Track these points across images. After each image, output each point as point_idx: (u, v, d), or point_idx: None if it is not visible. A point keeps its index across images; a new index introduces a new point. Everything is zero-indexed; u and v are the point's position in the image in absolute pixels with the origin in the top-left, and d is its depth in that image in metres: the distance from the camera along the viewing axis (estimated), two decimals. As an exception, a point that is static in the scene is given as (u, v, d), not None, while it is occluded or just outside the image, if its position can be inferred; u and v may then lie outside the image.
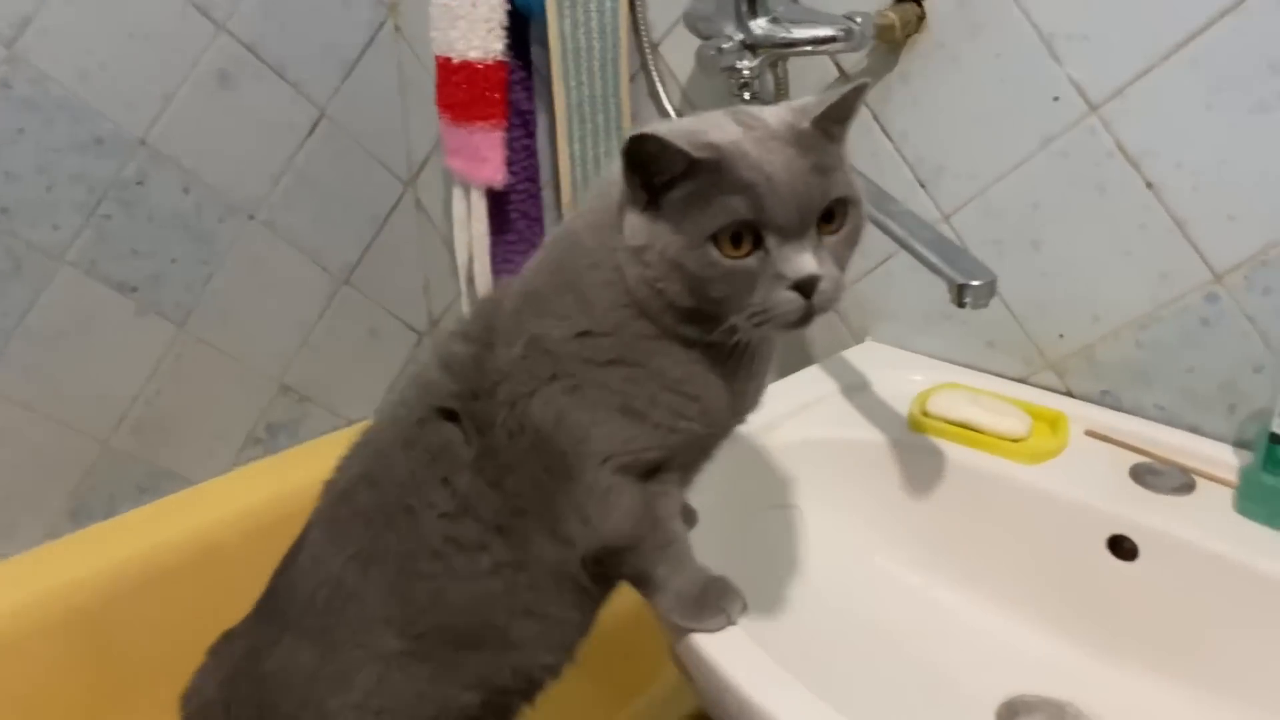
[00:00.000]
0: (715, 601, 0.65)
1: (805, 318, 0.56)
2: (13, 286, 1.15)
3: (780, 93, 1.00)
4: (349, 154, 1.41)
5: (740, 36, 0.92)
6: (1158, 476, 0.81)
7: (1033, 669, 0.80)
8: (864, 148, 0.97)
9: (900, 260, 1.00)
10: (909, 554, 0.88)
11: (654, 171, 0.55)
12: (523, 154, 1.22)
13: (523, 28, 1.19)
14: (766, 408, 0.70)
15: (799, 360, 1.07)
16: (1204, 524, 0.75)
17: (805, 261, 0.55)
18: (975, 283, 0.67)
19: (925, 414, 0.90)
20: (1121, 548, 0.79)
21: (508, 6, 1.15)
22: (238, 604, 1.34)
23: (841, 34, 0.87)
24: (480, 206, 1.22)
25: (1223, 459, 0.81)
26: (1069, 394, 0.93)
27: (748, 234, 0.55)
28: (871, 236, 1.00)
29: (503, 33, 1.15)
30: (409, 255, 1.53)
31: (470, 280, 1.28)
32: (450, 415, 0.66)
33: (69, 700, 1.21)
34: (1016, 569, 0.83)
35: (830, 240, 0.57)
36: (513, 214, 1.26)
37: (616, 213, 0.60)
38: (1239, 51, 0.74)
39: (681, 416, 0.62)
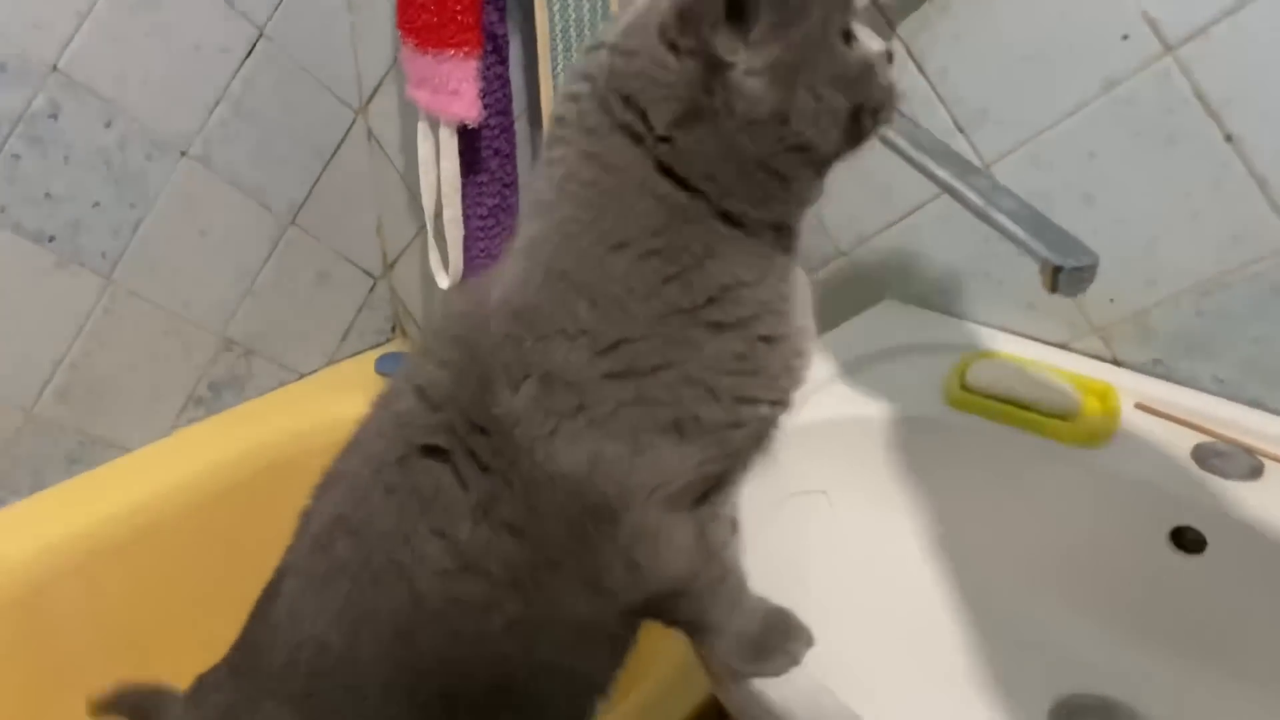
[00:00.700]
0: (779, 642, 0.57)
1: None
2: (-92, 239, 1.00)
3: None
4: (292, 79, 1.26)
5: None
6: (1223, 459, 0.75)
7: (1089, 668, 0.74)
8: (895, 87, 0.86)
9: (928, 212, 0.90)
10: (950, 544, 0.81)
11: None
12: (496, 84, 1.09)
13: (494, -62, 1.05)
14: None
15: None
16: (1277, 513, 0.69)
17: (870, 34, 0.51)
18: (1073, 264, 0.57)
19: (965, 388, 0.82)
20: (1185, 539, 0.72)
21: (478, -87, 1.00)
22: (183, 583, 1.25)
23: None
24: (450, 145, 1.09)
25: (1293, 439, 0.75)
26: (1115, 362, 0.85)
27: None
28: (899, 185, 0.95)
29: (472, -56, 1.01)
30: (361, 192, 1.40)
31: (439, 232, 1.15)
32: (436, 452, 0.56)
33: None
34: (1069, 561, 0.77)
35: None
36: (484, 151, 1.13)
37: (638, 153, 0.51)
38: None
39: (751, 393, 0.54)
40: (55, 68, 1.05)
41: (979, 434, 0.80)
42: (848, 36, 0.50)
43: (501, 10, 1.08)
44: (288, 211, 1.32)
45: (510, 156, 1.16)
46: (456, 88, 1.04)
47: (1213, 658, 0.70)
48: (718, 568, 0.57)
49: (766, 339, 0.54)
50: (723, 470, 0.55)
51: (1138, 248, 0.80)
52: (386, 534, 0.57)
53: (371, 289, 1.46)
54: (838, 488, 0.81)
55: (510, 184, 1.17)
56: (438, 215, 1.16)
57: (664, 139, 0.50)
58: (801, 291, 0.57)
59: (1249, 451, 0.75)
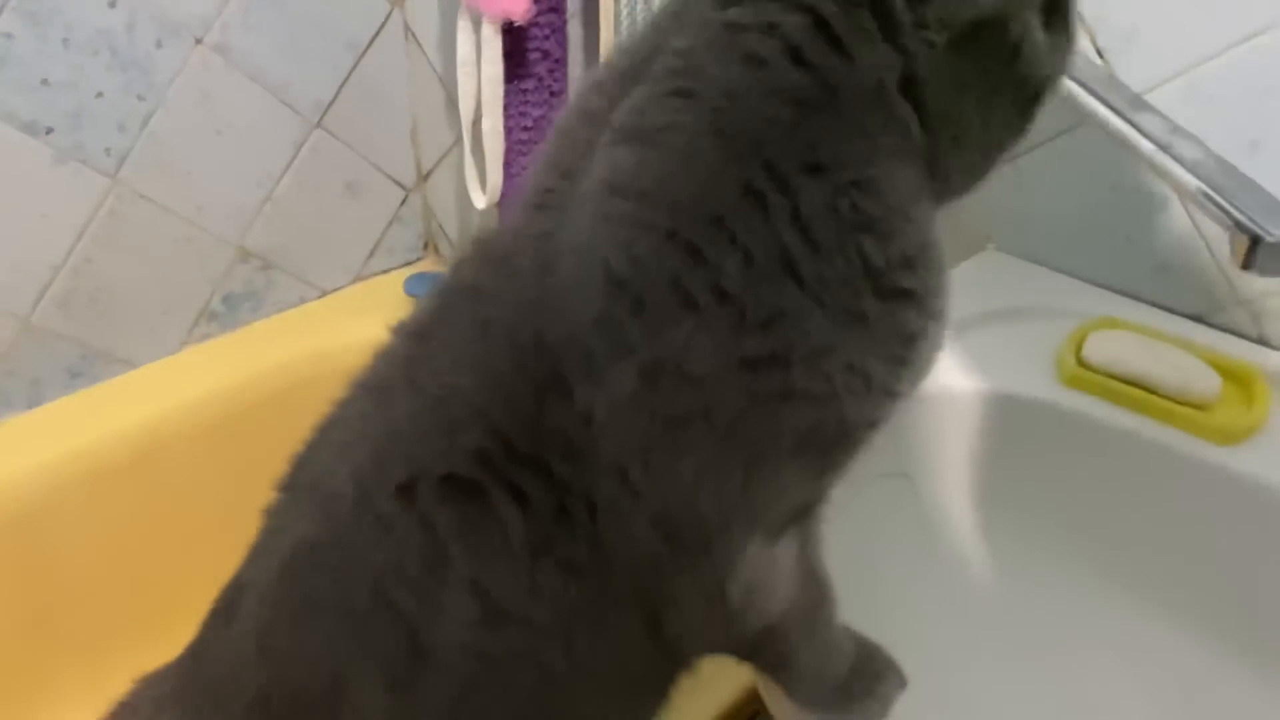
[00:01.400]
0: (869, 685, 0.47)
1: None
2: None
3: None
4: (322, -39, 1.13)
5: None
6: (1397, 470, 0.62)
7: (1211, 705, 0.64)
8: None
9: (1049, 148, 0.77)
10: (1055, 547, 0.70)
11: None
12: (545, -25, 0.96)
13: None
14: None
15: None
16: None
17: None
18: (1278, 235, 0.44)
19: (1082, 364, 0.70)
20: (1345, 563, 0.61)
21: None
22: (189, 508, 1.17)
23: None
24: (493, 45, 0.96)
25: None
26: (1262, 342, 0.72)
27: None
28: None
29: None
30: (395, 93, 1.28)
31: (477, 144, 1.03)
32: (460, 483, 0.45)
33: (-5, 615, 1.05)
34: (1197, 579, 0.66)
35: None
36: (531, 54, 1.00)
37: (885, 51, 0.40)
38: None
39: (898, 388, 0.45)
40: (52, -66, 0.93)
41: (1094, 420, 0.68)
42: None
43: (557, -112, 0.94)
44: (314, 112, 1.20)
45: (561, 61, 1.03)
46: (503, -22, 0.91)
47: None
48: (815, 592, 0.48)
49: (936, 318, 0.44)
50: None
51: (1308, 208, 0.67)
52: (380, 575, 0.46)
53: (403, 202, 1.35)
54: (923, 472, 0.70)
55: (559, 93, 1.04)
56: (476, 124, 1.04)
57: (929, 42, 0.39)
58: None
59: None
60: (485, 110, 1.01)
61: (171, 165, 1.09)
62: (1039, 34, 0.42)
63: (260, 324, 1.24)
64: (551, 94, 1.04)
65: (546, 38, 0.99)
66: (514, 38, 0.99)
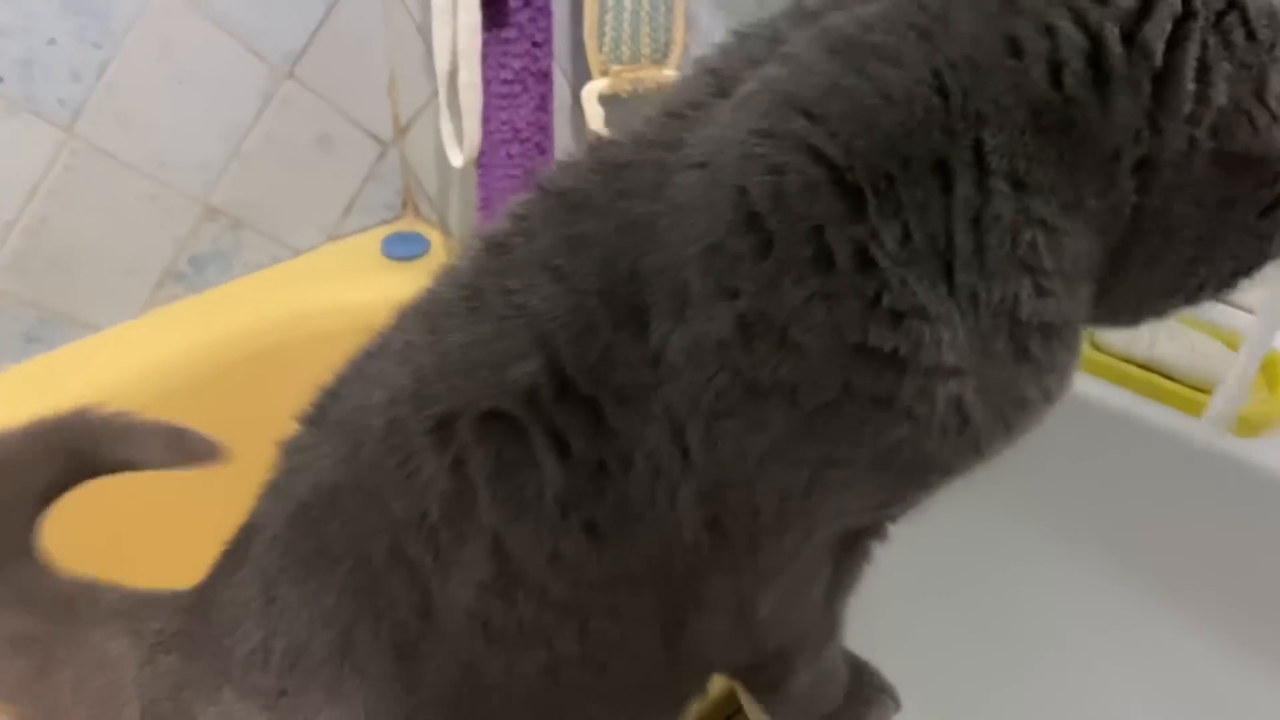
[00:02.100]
0: (859, 714, 0.44)
1: None
2: None
3: None
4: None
5: None
6: None
7: (1223, 708, 0.62)
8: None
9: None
10: (1062, 544, 0.67)
11: None
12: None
13: None
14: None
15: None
16: None
17: None
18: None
19: (1095, 346, 0.66)
20: (1369, 565, 0.57)
21: None
22: (154, 483, 1.14)
23: None
24: (470, -11, 0.90)
25: None
26: (1285, 323, 0.68)
27: None
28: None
29: None
30: (371, 41, 1.21)
31: (453, 98, 0.97)
32: (501, 420, 0.41)
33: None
34: (1213, 579, 0.63)
35: None
36: (512, 0, 0.94)
37: (1128, 118, 0.37)
38: None
39: (994, 434, 0.42)
40: None
41: (1106, 406, 0.65)
42: None
43: None
44: (284, 61, 1.14)
45: (544, 9, 0.97)
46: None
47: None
48: (830, 624, 0.45)
49: (1048, 398, 0.43)
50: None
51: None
52: (401, 521, 0.43)
53: (380, 157, 1.29)
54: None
55: (542, 43, 0.98)
56: (452, 77, 0.98)
57: (1193, 139, 0.36)
58: None
59: None
60: (461, 61, 0.95)
61: (131, 118, 1.03)
62: None
63: (229, 285, 1.19)
64: (534, 44, 0.98)
65: (528, -17, 0.94)
66: (492, -18, 0.93)
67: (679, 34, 0.91)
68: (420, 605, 0.43)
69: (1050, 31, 0.36)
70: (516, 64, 0.98)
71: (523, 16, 0.96)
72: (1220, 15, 0.36)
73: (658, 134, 0.41)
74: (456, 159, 1.02)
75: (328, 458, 0.46)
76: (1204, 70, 0.36)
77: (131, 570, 1.03)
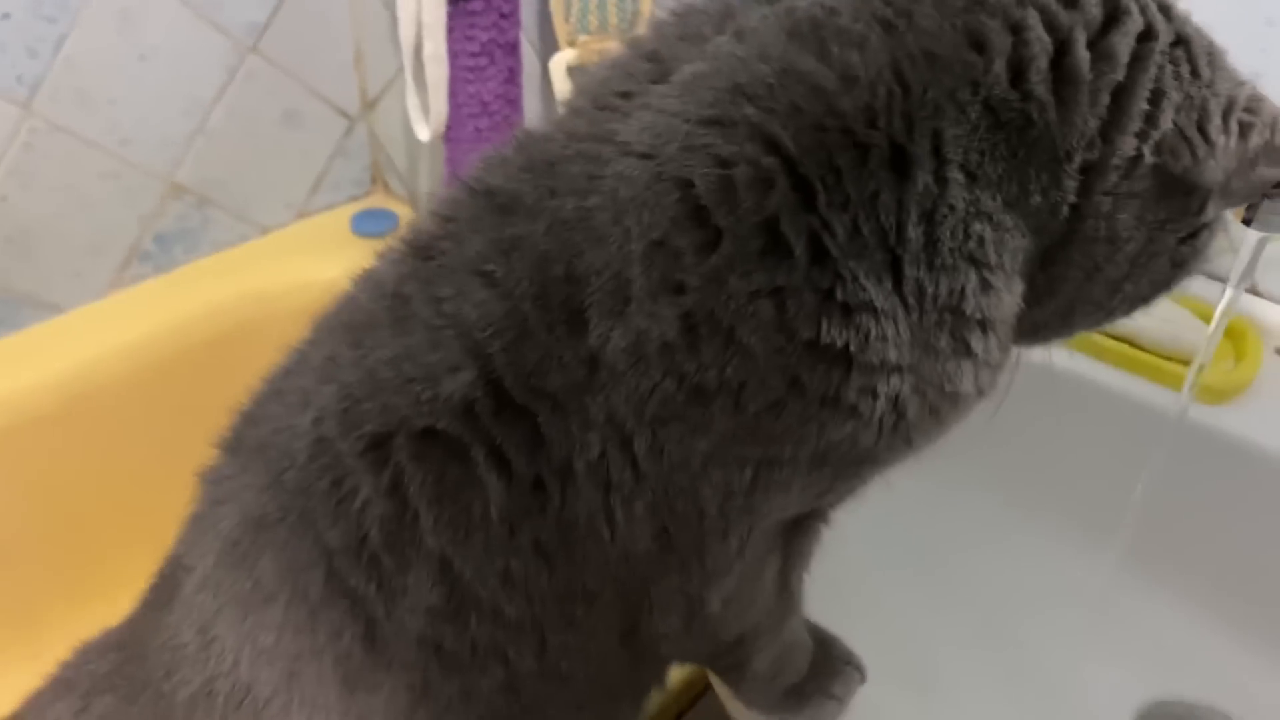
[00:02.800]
0: (824, 685, 0.44)
1: None
2: None
3: None
4: None
5: None
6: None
7: (1184, 668, 0.63)
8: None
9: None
10: (1029, 514, 0.67)
11: None
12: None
13: None
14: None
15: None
16: None
17: None
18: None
19: (1064, 316, 0.65)
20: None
21: None
22: (121, 460, 1.11)
23: None
24: (434, -40, 0.89)
25: None
26: (1254, 292, 0.68)
27: None
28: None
29: None
30: (336, 13, 1.19)
31: (419, 71, 0.95)
32: (438, 439, 0.39)
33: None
34: (1180, 545, 0.64)
35: None
36: (477, -28, 0.93)
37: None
38: None
39: (928, 428, 0.42)
40: None
41: (1077, 377, 0.64)
42: None
43: None
44: (247, 35, 1.11)
45: (510, -20, 0.96)
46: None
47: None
48: (786, 605, 0.45)
49: (982, 392, 0.43)
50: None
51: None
52: (337, 549, 0.41)
53: (347, 132, 1.27)
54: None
55: (510, 14, 0.96)
56: (418, 50, 0.96)
57: (1139, 154, 0.37)
58: None
59: None
60: (426, 33, 0.93)
61: (91, 94, 1.01)
62: (1222, 237, 0.40)
63: (196, 264, 1.17)
64: (501, 15, 0.96)
65: (493, -47, 0.92)
66: (457, -48, 0.91)
67: (646, 3, 0.90)
68: (365, 635, 0.41)
69: (1017, 29, 0.36)
70: (483, 36, 0.96)
71: (489, -14, 0.94)
72: (1171, 46, 0.37)
73: (589, 128, 0.40)
74: (423, 134, 1.00)
75: (250, 488, 0.44)
76: (1157, 94, 0.36)
77: (100, 554, 1.02)
